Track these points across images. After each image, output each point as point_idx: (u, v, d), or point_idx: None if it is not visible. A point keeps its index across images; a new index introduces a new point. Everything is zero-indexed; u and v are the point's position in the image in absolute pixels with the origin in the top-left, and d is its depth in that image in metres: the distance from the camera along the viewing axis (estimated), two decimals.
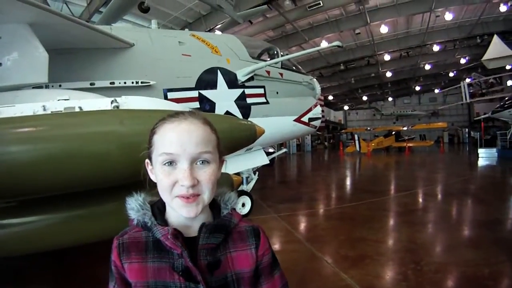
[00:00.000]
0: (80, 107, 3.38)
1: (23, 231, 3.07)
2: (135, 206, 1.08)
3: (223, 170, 1.15)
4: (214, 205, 1.13)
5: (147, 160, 1.09)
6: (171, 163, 0.99)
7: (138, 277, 1.02)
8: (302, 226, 7.07)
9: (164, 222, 1.07)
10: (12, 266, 4.60)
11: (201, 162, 1.00)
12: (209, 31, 16.44)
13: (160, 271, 1.01)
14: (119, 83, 5.49)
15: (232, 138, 3.68)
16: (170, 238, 1.00)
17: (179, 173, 0.97)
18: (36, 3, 4.12)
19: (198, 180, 0.98)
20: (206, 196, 1.01)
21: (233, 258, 1.06)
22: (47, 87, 4.80)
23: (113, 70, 5.60)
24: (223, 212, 1.12)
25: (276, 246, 5.76)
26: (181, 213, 1.00)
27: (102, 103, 3.49)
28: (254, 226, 1.15)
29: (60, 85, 5.05)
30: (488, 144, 25.25)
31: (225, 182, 4.56)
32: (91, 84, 5.31)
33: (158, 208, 1.10)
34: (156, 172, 1.02)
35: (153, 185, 1.08)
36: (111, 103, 3.45)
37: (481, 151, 22.68)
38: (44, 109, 3.35)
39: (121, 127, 2.86)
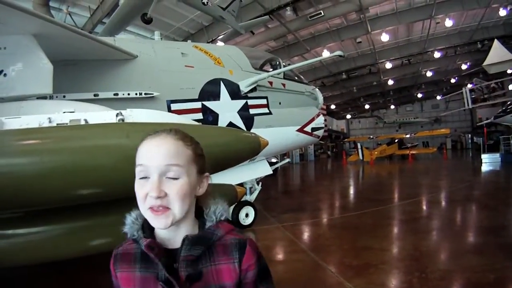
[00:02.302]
0: (85, 120, 3.41)
1: (28, 241, 3.09)
2: (129, 221, 1.14)
3: (221, 181, 1.18)
4: (202, 218, 1.16)
5: None
6: (145, 177, 1.02)
7: (126, 285, 1.11)
8: (306, 235, 7.05)
9: (152, 235, 1.10)
10: (15, 276, 4.60)
11: (171, 175, 1.02)
12: (211, 41, 16.60)
13: (146, 280, 1.08)
14: (123, 94, 5.51)
15: (237, 150, 3.72)
16: (144, 249, 1.05)
17: (148, 185, 1.01)
18: (40, 15, 4.18)
19: (166, 192, 1.01)
20: (176, 211, 1.02)
21: (217, 271, 1.07)
22: (51, 98, 4.81)
23: (117, 81, 5.63)
24: (207, 225, 1.13)
25: (280, 256, 5.76)
26: (153, 225, 1.05)
27: (107, 116, 3.52)
28: (241, 239, 1.12)
29: (64, 96, 5.06)
30: (491, 149, 25.21)
31: (228, 193, 4.58)
32: (95, 95, 5.32)
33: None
34: (135, 185, 1.05)
35: None
36: (117, 116, 3.48)
37: (485, 157, 22.63)
38: (50, 121, 3.37)
39: (127, 141, 2.87)
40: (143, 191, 1.01)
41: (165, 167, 1.01)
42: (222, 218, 1.15)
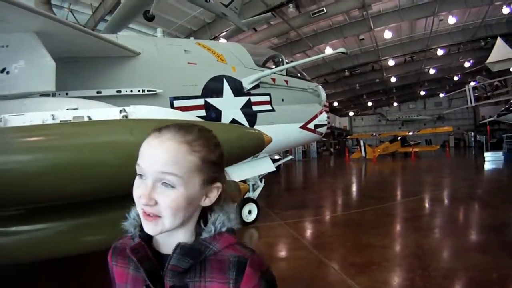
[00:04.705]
0: (89, 117, 3.40)
1: (31, 238, 3.07)
2: (131, 216, 1.07)
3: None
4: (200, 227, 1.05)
5: None
6: (141, 176, 0.95)
7: (119, 280, 1.07)
8: (309, 233, 7.05)
9: (147, 235, 0.99)
10: (16, 273, 4.61)
11: (165, 183, 0.92)
12: (213, 38, 16.55)
13: (136, 280, 1.01)
14: (126, 91, 5.50)
15: (240, 147, 3.71)
16: (127, 251, 0.99)
17: (142, 188, 0.93)
18: (43, 12, 4.17)
19: (156, 201, 0.91)
20: (167, 221, 0.93)
21: None
22: (54, 95, 4.80)
23: (120, 78, 5.62)
24: (203, 236, 0.99)
25: (283, 253, 5.76)
26: (143, 227, 0.96)
27: (111, 112, 3.51)
28: (241, 257, 0.96)
29: (67, 93, 5.06)
30: (494, 148, 25.10)
31: (232, 190, 4.58)
32: (97, 92, 5.31)
33: None
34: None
35: None
36: (120, 112, 3.47)
37: (487, 155, 22.56)
38: (53, 118, 3.37)
39: (131, 137, 2.87)
40: (137, 191, 0.94)
41: (160, 174, 0.91)
42: (223, 230, 1.01)
